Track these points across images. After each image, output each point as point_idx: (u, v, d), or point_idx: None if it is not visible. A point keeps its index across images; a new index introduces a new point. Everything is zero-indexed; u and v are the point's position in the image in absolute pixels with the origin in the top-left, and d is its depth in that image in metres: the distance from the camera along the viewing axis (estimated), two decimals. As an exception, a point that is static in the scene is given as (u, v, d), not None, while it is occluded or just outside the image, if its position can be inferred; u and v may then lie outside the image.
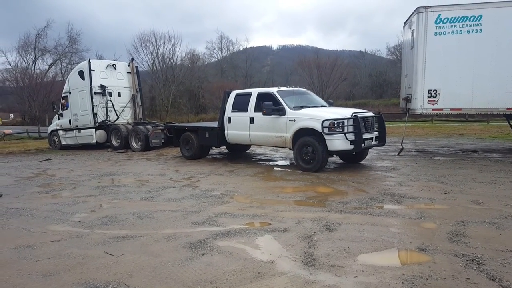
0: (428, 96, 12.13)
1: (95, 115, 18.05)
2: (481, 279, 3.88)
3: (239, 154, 14.81)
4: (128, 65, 19.94)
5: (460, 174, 9.31)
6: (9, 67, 56.38)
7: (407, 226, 5.61)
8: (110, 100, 18.51)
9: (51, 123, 21.30)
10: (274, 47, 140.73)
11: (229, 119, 12.08)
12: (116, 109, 18.74)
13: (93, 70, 18.05)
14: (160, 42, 51.26)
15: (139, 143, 17.05)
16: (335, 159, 11.94)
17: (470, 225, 5.53)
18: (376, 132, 10.70)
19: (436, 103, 12.10)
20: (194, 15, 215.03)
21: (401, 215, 6.15)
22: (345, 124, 9.70)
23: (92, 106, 17.96)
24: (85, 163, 13.92)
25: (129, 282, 4.08)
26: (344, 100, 50.03)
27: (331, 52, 66.91)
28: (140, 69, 21.95)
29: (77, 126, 18.89)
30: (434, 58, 11.96)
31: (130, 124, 18.39)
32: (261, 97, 11.29)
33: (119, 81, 19.15)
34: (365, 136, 9.99)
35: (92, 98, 17.92)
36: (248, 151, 15.40)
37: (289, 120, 10.44)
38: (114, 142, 17.94)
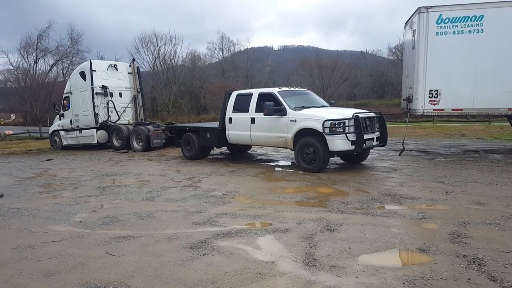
0: (429, 96, 12.11)
1: (96, 115, 18.07)
2: (482, 279, 3.88)
3: (240, 154, 14.81)
4: (130, 66, 19.95)
5: (461, 175, 9.30)
6: (11, 67, 56.57)
7: (408, 226, 5.60)
8: (112, 101, 18.53)
9: (53, 124, 21.34)
10: (275, 48, 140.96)
11: (230, 119, 12.08)
12: (117, 110, 18.77)
13: (95, 71, 18.07)
14: (161, 43, 51.32)
15: (140, 143, 17.06)
16: (336, 159, 11.94)
17: (471, 225, 5.52)
18: (377, 133, 10.69)
19: (438, 104, 12.09)
20: (195, 15, 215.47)
21: (402, 215, 6.15)
22: (346, 124, 9.69)
23: (94, 106, 17.98)
24: (86, 164, 13.93)
25: (130, 282, 4.08)
26: (345, 100, 49.94)
27: (332, 52, 67.07)
28: (141, 69, 21.96)
29: (78, 126, 18.91)
30: (436, 58, 11.94)
31: (131, 125, 18.40)
32: (262, 97, 11.28)
33: (120, 81, 19.18)
34: (366, 136, 9.98)
35: (93, 98, 17.94)
36: (249, 151, 15.40)
37: (290, 121, 10.43)
38: (115, 142, 17.95)
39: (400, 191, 7.79)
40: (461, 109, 12.16)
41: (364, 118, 10.11)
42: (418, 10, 12.09)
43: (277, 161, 12.93)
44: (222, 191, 8.33)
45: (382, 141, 10.82)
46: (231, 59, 68.40)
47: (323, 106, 11.46)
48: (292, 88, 11.88)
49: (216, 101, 44.67)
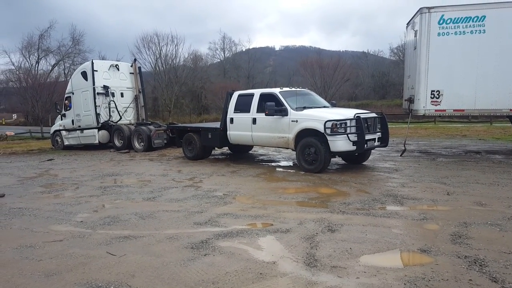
0: (431, 97, 12.10)
1: (97, 115, 18.08)
2: (484, 280, 3.87)
3: (241, 154, 14.81)
4: (131, 66, 19.97)
5: (463, 176, 9.29)
6: (13, 67, 56.58)
7: (409, 227, 5.60)
8: (113, 101, 18.55)
9: (54, 124, 21.36)
10: (277, 48, 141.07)
11: (231, 119, 12.08)
12: (118, 110, 18.78)
13: (96, 71, 18.09)
14: (163, 43, 51.34)
15: (142, 143, 17.07)
16: (338, 160, 11.93)
17: (472, 226, 5.51)
18: (379, 133, 10.68)
19: (439, 104, 12.08)
20: (197, 16, 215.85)
21: (404, 216, 6.14)
22: (348, 125, 9.69)
23: (95, 106, 18.00)
24: (87, 163, 13.95)
25: (131, 282, 4.08)
26: (346, 100, 49.94)
27: (334, 53, 66.94)
28: (142, 69, 21.99)
29: (80, 126, 18.93)
30: (437, 59, 11.93)
31: (132, 125, 18.42)
32: (264, 97, 11.28)
33: (121, 81, 19.19)
34: (367, 137, 9.97)
35: (95, 98, 17.96)
36: (250, 151, 15.40)
37: (292, 121, 10.43)
38: (117, 142, 17.97)
39: (402, 191, 7.78)
40: (463, 110, 12.15)
41: (365, 119, 10.11)
42: (420, 11, 12.08)
43: (278, 161, 12.93)
44: (223, 191, 8.33)
45: (384, 141, 10.81)
46: (233, 59, 68.38)
47: (324, 107, 11.45)
48: (293, 89, 11.88)
49: (218, 101, 44.69)
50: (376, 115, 10.76)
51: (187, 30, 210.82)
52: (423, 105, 12.21)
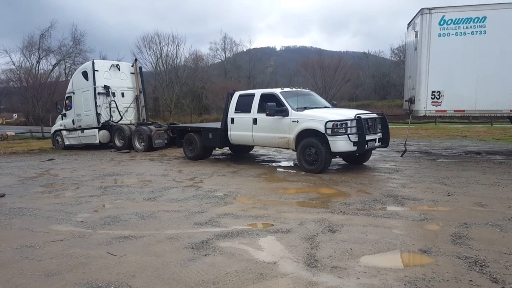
0: (431, 97, 12.10)
1: (98, 115, 18.09)
2: (484, 281, 3.87)
3: (242, 155, 14.81)
4: (132, 66, 19.97)
5: (463, 176, 9.29)
6: (13, 67, 56.52)
7: (410, 228, 5.60)
8: (114, 101, 18.56)
9: (55, 123, 21.36)
10: (278, 48, 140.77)
11: (232, 120, 12.09)
12: (119, 110, 18.79)
13: (97, 71, 18.10)
14: (164, 43, 51.33)
15: (142, 143, 17.08)
16: (338, 160, 11.92)
17: (473, 227, 5.51)
18: (380, 134, 10.68)
19: (440, 105, 12.08)
20: (198, 16, 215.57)
21: (404, 216, 6.14)
22: (349, 125, 9.69)
23: (96, 106, 18.00)
24: (88, 163, 13.95)
25: (132, 283, 4.08)
26: (347, 101, 49.88)
27: (335, 53, 66.89)
28: (143, 69, 21.99)
29: (80, 126, 18.93)
30: (438, 60, 11.94)
31: (133, 125, 18.42)
32: (264, 98, 11.28)
33: (122, 81, 19.20)
34: (368, 137, 9.97)
35: (95, 98, 17.97)
36: (251, 152, 15.40)
37: (292, 121, 10.43)
38: (117, 142, 17.98)
39: (402, 192, 7.78)
40: (463, 111, 12.15)
41: (366, 119, 10.11)
42: (421, 12, 12.08)
43: (279, 161, 12.92)
44: (224, 192, 8.33)
45: (384, 142, 10.81)
46: (234, 59, 68.37)
47: (325, 107, 11.45)
48: (294, 89, 11.88)
49: (218, 102, 44.68)
50: (377, 116, 10.77)
51: (188, 30, 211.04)
52: (424, 105, 12.21)
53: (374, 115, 10.71)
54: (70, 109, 19.43)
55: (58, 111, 20.79)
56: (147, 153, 16.48)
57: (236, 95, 12.33)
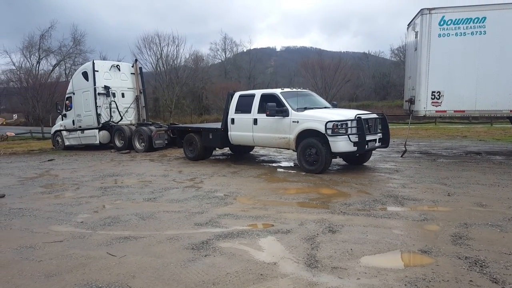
0: (431, 98, 12.10)
1: (98, 115, 18.09)
2: (484, 281, 3.87)
3: (242, 155, 14.81)
4: (132, 66, 19.99)
5: (463, 176, 9.28)
6: (13, 67, 56.62)
7: (410, 228, 5.59)
8: (114, 101, 18.56)
9: (55, 124, 21.37)
10: (278, 49, 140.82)
11: (232, 120, 12.09)
12: (119, 110, 18.79)
13: (97, 71, 18.11)
14: (164, 43, 51.29)
15: (143, 144, 17.08)
16: (339, 160, 11.92)
17: (473, 227, 5.51)
18: (380, 134, 10.68)
19: (440, 105, 12.08)
20: (198, 16, 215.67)
21: (404, 217, 6.13)
22: (349, 125, 9.68)
23: (96, 106, 18.01)
24: (88, 164, 13.95)
25: (132, 283, 4.08)
26: (347, 101, 49.89)
27: (335, 54, 66.80)
28: (143, 70, 22.00)
29: (80, 126, 18.94)
30: (438, 60, 11.94)
31: (133, 125, 18.42)
32: (265, 98, 11.28)
33: (122, 82, 19.21)
34: (368, 137, 9.97)
35: (95, 98, 17.97)
36: (251, 152, 15.40)
37: (293, 122, 10.43)
38: (118, 142, 17.98)
39: (402, 192, 7.78)
40: (463, 111, 12.15)
41: (366, 120, 10.10)
42: (421, 12, 12.08)
43: (279, 162, 12.92)
44: (224, 192, 8.32)
45: (384, 142, 10.81)
46: (234, 60, 68.39)
47: (325, 107, 11.45)
48: (294, 89, 11.87)
49: (219, 102, 44.70)
50: (377, 116, 10.77)
51: (188, 30, 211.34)
52: (424, 106, 12.21)
53: (374, 116, 10.71)
54: (70, 110, 19.44)
55: (58, 111, 20.79)
56: (147, 153, 16.48)
57: (236, 95, 12.33)
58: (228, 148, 14.85)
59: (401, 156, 12.94)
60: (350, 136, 9.59)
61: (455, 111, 12.14)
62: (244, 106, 11.84)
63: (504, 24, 11.39)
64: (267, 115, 10.80)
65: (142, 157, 15.50)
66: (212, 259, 4.64)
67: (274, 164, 12.37)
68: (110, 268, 4.48)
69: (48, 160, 15.50)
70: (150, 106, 38.53)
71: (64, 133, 19.85)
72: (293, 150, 10.90)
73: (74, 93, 19.14)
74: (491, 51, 11.50)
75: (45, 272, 4.45)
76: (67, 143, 19.80)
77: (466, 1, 12.06)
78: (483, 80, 11.62)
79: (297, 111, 10.48)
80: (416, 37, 12.50)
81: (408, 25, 13.92)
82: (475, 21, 11.54)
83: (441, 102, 12.05)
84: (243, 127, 11.78)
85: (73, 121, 19.21)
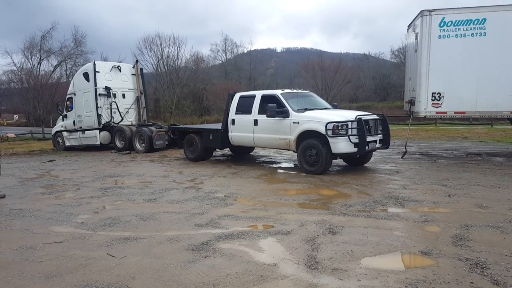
0: (432, 99, 12.10)
1: (99, 116, 18.11)
2: (485, 283, 3.86)
3: (242, 156, 14.81)
4: (133, 67, 20.01)
5: (464, 178, 9.28)
6: (14, 68, 56.77)
7: (410, 229, 5.59)
8: (115, 102, 18.57)
9: (56, 124, 21.38)
10: (278, 50, 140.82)
11: (233, 121, 12.08)
12: (120, 111, 18.80)
13: (98, 72, 18.13)
14: (165, 44, 51.39)
15: (143, 144, 17.08)
16: (339, 161, 11.92)
17: (474, 228, 5.50)
18: (380, 135, 10.68)
19: (440, 106, 12.07)
20: (199, 17, 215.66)
21: (405, 218, 6.13)
22: (349, 126, 9.68)
23: (97, 107, 18.03)
24: (88, 164, 13.95)
25: (132, 284, 4.08)
26: (348, 102, 49.90)
27: (335, 55, 66.83)
28: (144, 71, 22.01)
29: (81, 127, 18.96)
30: (438, 61, 11.93)
31: (134, 126, 18.41)
32: (265, 99, 11.29)
33: (123, 82, 19.22)
34: (369, 138, 9.96)
35: (96, 99, 17.99)
36: (251, 153, 15.40)
37: (293, 123, 10.42)
38: (118, 143, 17.98)
39: (403, 193, 7.77)
40: (464, 112, 12.14)
41: (367, 121, 10.10)
42: (421, 13, 12.08)
43: (279, 163, 12.92)
44: (224, 193, 8.32)
45: (385, 143, 10.80)
46: (234, 61, 68.43)
47: (326, 108, 11.44)
48: (295, 90, 11.87)
49: (219, 103, 44.71)
50: (378, 117, 10.77)
51: (189, 31, 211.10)
52: (424, 107, 12.21)
53: (375, 117, 10.71)
54: (71, 110, 19.47)
55: (59, 112, 20.81)
56: (147, 154, 16.48)
57: (236, 96, 12.33)
58: (228, 149, 14.84)
59: (401, 157, 12.93)
60: (350, 137, 9.58)
61: (455, 112, 12.14)
62: (244, 107, 11.84)
63: (504, 25, 11.38)
64: (267, 116, 10.80)
65: (142, 157, 15.50)
66: (212, 260, 4.64)
67: (274, 165, 12.37)
68: (110, 269, 4.48)
69: (49, 161, 15.51)
70: (151, 107, 38.54)
71: (64, 133, 19.86)
72: (294, 151, 10.90)
73: (75, 94, 19.17)
74: (491, 53, 11.50)
75: (45, 273, 4.44)
76: (67, 143, 19.81)
77: (466, 3, 12.07)
78: (483, 81, 11.61)
79: (298, 112, 10.48)
80: (416, 38, 12.50)
81: (408, 26, 13.92)
82: (475, 23, 11.54)
83: (441, 104, 12.05)
84: (243, 128, 11.78)
85: (74, 121, 19.23)
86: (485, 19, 11.45)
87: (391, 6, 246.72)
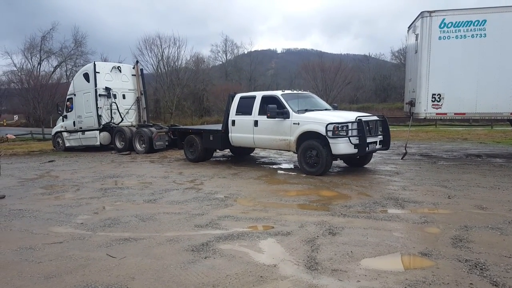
0: (432, 100, 12.10)
1: (99, 117, 18.12)
2: (484, 284, 3.86)
3: (242, 157, 14.81)
4: (133, 68, 20.02)
5: (463, 179, 9.28)
6: (15, 68, 56.85)
7: (410, 230, 5.59)
8: (115, 102, 18.58)
9: (56, 125, 21.38)
10: (279, 51, 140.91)
11: (233, 122, 12.09)
12: (120, 111, 18.81)
13: (98, 73, 18.14)
14: (165, 45, 51.39)
15: (143, 145, 17.08)
16: (339, 162, 11.92)
17: (473, 230, 5.50)
18: (380, 136, 10.68)
19: (440, 108, 12.08)
20: (199, 18, 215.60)
21: (405, 219, 6.13)
22: (349, 127, 9.67)
23: (97, 108, 18.03)
24: (88, 165, 13.95)
25: (131, 285, 4.08)
26: (348, 103, 49.89)
27: (335, 56, 66.96)
28: (144, 71, 22.04)
29: (81, 128, 18.95)
30: (438, 63, 11.94)
31: (134, 126, 18.42)
32: (265, 100, 11.29)
33: (123, 83, 19.23)
34: (369, 140, 9.97)
35: (96, 100, 17.99)
36: (252, 154, 15.40)
37: (293, 124, 10.43)
38: (118, 144, 17.98)
39: (403, 195, 7.77)
40: (464, 114, 12.15)
41: (367, 122, 10.11)
42: (421, 15, 12.09)
43: (279, 164, 12.92)
44: (224, 194, 8.32)
45: (385, 144, 10.81)
46: (235, 61, 68.48)
47: (326, 109, 11.44)
48: (295, 91, 11.87)
49: (219, 104, 44.72)
50: (378, 118, 10.77)
51: (189, 32, 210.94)
52: (424, 108, 12.21)
53: (375, 118, 10.71)
54: (71, 111, 19.47)
55: (59, 112, 20.81)
56: (147, 155, 16.49)
57: (237, 97, 12.34)
58: (228, 150, 14.84)
59: (401, 159, 12.93)
60: (350, 138, 9.58)
61: (455, 113, 12.14)
62: (244, 108, 11.84)
63: (505, 27, 11.39)
64: (267, 117, 10.80)
65: (142, 158, 15.50)
66: (212, 261, 4.64)
67: (274, 166, 12.37)
68: (110, 270, 4.48)
69: (49, 161, 15.51)
70: (151, 107, 38.54)
71: (64, 134, 19.86)
72: (294, 152, 10.89)
73: (75, 95, 19.17)
74: (492, 54, 11.50)
75: (44, 274, 4.44)
76: (67, 144, 19.80)
77: (466, 4, 12.09)
78: (483, 82, 11.62)
79: (298, 113, 10.48)
80: (416, 39, 12.51)
81: (409, 27, 13.93)
82: (476, 24, 11.55)
83: (441, 105, 12.05)
84: (243, 129, 11.78)
85: (74, 122, 19.23)
86: (485, 21, 11.46)
87: (392, 7, 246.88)
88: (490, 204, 6.93)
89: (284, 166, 12.43)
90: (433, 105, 12.11)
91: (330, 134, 9.57)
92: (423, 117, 12.56)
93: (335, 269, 4.30)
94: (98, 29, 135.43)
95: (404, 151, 13.36)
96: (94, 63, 18.63)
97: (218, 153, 15.68)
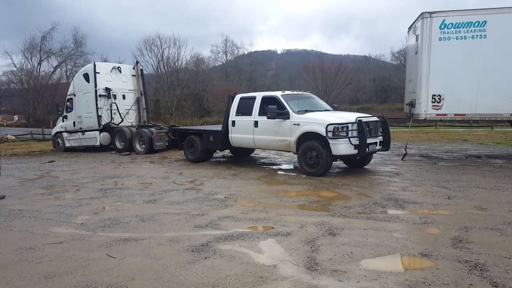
0: (432, 101, 12.10)
1: (99, 117, 18.11)
2: (484, 285, 3.86)
3: (242, 157, 14.80)
4: (133, 68, 20.02)
5: (463, 180, 9.28)
6: (14, 69, 56.78)
7: (410, 231, 5.59)
8: (115, 103, 18.57)
9: (55, 125, 21.38)
10: (279, 51, 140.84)
11: (233, 122, 12.09)
12: (120, 112, 18.81)
13: (98, 73, 18.14)
14: (165, 46, 51.32)
15: (143, 145, 17.09)
16: (339, 163, 11.92)
17: (473, 231, 5.50)
18: (380, 137, 10.67)
19: (440, 108, 12.08)
20: (199, 18, 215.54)
21: (405, 220, 6.13)
22: (350, 128, 9.68)
23: (97, 108, 18.03)
24: (88, 165, 13.95)
25: (131, 285, 4.08)
26: (348, 104, 49.88)
27: (336, 57, 67.03)
28: (145, 72, 22.05)
29: (81, 128, 18.95)
30: (439, 63, 11.94)
31: (134, 127, 18.42)
32: (266, 101, 11.29)
33: (124, 83, 19.23)
34: (369, 140, 9.97)
35: (96, 100, 17.99)
36: (251, 154, 15.39)
37: (293, 124, 10.43)
38: (118, 144, 17.98)
39: (403, 195, 7.77)
40: (464, 115, 12.15)
41: (367, 123, 10.11)
42: (422, 15, 12.10)
43: (279, 164, 12.92)
44: (224, 194, 8.32)
45: (385, 145, 10.81)
46: (235, 62, 68.43)
47: (326, 110, 11.44)
48: (295, 92, 11.88)
49: (219, 104, 44.69)
50: (378, 119, 10.77)
51: (190, 32, 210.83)
52: (424, 109, 12.21)
53: (375, 119, 10.71)
54: (71, 111, 19.47)
55: (59, 113, 20.80)
56: (147, 155, 16.49)
57: (237, 97, 12.34)
58: (228, 151, 14.85)
59: (401, 159, 12.93)
60: (351, 139, 9.59)
61: (455, 114, 12.14)
62: (245, 108, 11.85)
63: (505, 28, 11.40)
64: (268, 118, 10.81)
65: (142, 159, 15.51)
66: (212, 261, 4.64)
67: (274, 167, 12.37)
68: (110, 270, 4.48)
69: (49, 162, 15.51)
70: (151, 108, 38.52)
71: (64, 134, 19.86)
72: (294, 153, 10.89)
73: (75, 95, 19.17)
74: (492, 55, 11.51)
75: (44, 274, 4.44)
76: (67, 144, 19.80)
77: (467, 5, 12.11)
78: (483, 83, 11.62)
79: (298, 114, 10.48)
80: (416, 40, 12.52)
81: (409, 28, 13.93)
82: (476, 25, 11.56)
83: (441, 106, 12.06)
84: (243, 130, 11.78)
85: (74, 122, 19.22)
86: (485, 22, 11.47)
87: (392, 8, 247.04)
88: (490, 205, 6.93)
89: (284, 166, 12.43)
90: (433, 106, 12.11)
91: (330, 134, 9.57)
92: (423, 118, 12.56)
93: (335, 269, 4.30)
94: (98, 29, 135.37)
95: (404, 152, 13.36)
96: (94, 63, 18.62)
97: (218, 153, 15.68)
